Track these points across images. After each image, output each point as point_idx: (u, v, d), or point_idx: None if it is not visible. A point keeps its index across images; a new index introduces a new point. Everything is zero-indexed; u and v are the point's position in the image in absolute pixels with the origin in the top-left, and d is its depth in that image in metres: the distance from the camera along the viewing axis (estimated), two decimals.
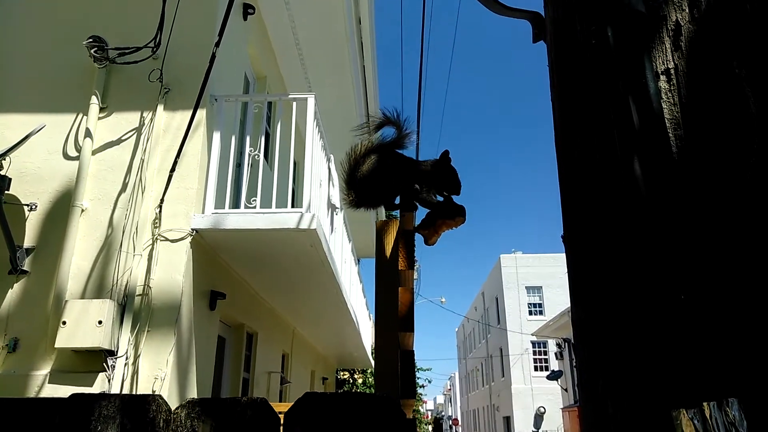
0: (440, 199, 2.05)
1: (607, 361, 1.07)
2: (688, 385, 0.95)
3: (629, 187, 1.08)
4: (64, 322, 3.57)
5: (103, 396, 1.00)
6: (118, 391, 3.49)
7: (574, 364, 24.15)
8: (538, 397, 32.09)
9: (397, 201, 1.96)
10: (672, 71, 1.12)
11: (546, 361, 32.68)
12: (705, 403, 0.86)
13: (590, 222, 1.17)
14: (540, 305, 34.21)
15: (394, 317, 1.41)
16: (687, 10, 1.15)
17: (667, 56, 1.13)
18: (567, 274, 1.26)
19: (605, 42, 1.18)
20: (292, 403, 0.98)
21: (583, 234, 1.19)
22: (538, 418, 31.67)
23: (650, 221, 1.04)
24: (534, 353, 33.32)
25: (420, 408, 25.36)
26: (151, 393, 3.55)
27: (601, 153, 1.16)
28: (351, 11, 6.44)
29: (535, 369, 32.93)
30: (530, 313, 34.11)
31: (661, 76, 1.13)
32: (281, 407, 1.76)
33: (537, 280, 34.44)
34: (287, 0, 6.03)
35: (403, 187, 1.92)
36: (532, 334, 30.16)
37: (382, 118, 2.04)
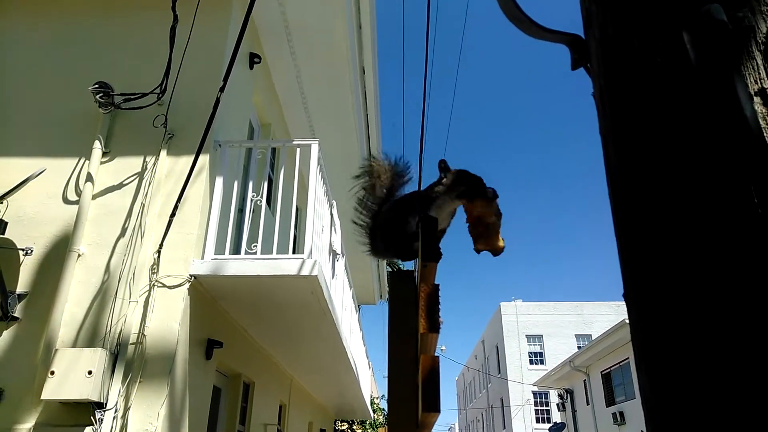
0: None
1: None
2: None
3: (737, 240, 0.87)
4: (52, 372, 3.42)
5: None
6: None
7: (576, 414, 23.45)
8: None
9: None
10: None
11: (548, 412, 31.78)
12: None
13: (666, 280, 0.96)
14: (541, 354, 33.52)
15: (411, 391, 1.21)
16: None
17: (759, 74, 0.96)
18: (631, 337, 1.05)
19: (682, 58, 1.00)
20: None
21: (652, 292, 1.00)
22: None
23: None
24: (536, 404, 32.43)
25: None
26: None
27: (685, 193, 0.96)
28: (356, 61, 6.52)
29: (537, 420, 31.98)
30: (531, 362, 33.39)
31: (754, 98, 0.94)
32: None
33: (537, 329, 33.87)
34: (293, 51, 6.11)
35: (427, 232, 1.60)
36: (534, 384, 29.43)
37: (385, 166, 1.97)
